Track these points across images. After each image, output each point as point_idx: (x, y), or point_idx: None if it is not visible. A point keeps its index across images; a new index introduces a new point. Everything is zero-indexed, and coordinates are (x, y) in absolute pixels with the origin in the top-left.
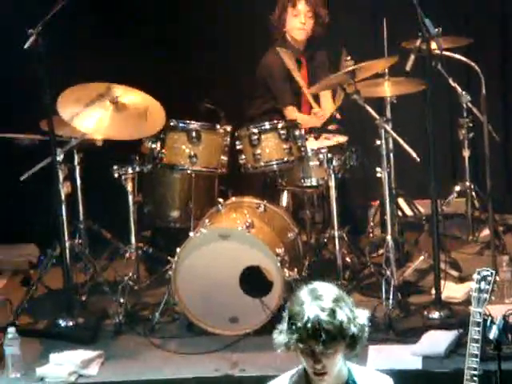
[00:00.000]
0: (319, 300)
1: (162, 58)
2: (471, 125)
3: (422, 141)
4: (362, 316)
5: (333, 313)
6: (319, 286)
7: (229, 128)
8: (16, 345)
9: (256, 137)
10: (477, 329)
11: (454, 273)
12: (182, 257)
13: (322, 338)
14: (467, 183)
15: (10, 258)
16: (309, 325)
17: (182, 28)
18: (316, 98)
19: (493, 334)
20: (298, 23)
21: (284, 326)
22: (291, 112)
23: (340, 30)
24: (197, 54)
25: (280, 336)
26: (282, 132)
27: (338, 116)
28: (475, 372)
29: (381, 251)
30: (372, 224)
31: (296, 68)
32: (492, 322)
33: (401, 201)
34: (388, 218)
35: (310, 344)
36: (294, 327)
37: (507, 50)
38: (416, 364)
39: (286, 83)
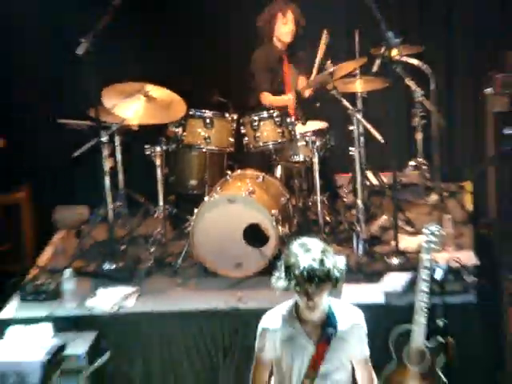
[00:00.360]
0: (310, 252)
1: (181, 59)
2: (423, 114)
3: (386, 126)
4: (341, 262)
5: (322, 261)
6: (307, 240)
7: (235, 116)
8: (71, 283)
9: (256, 123)
10: (426, 271)
11: (409, 228)
12: (198, 216)
13: (315, 282)
14: (419, 159)
15: (67, 216)
16: (304, 272)
17: (195, 36)
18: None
19: (438, 275)
20: (287, 29)
21: (281, 274)
22: (266, 97)
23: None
24: (209, 55)
25: (279, 282)
26: (276, 119)
27: (317, 104)
28: (424, 305)
29: (353, 212)
30: (346, 191)
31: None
32: (437, 266)
33: (369, 173)
34: (358, 186)
35: (305, 287)
36: (292, 275)
37: (451, 56)
38: (379, 299)
39: (265, 74)
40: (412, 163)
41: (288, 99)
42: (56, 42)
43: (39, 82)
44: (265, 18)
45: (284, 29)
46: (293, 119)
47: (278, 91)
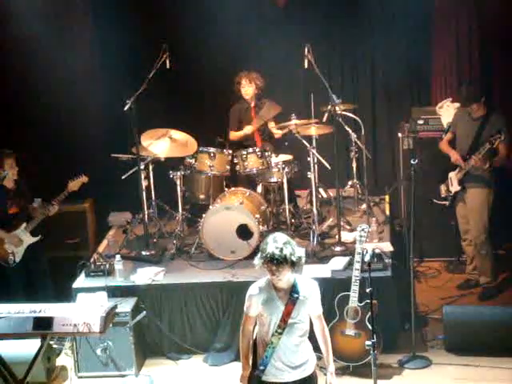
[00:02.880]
0: (276, 242)
1: (193, 113)
2: (356, 150)
3: (331, 158)
4: (300, 252)
5: (281, 250)
6: (278, 234)
7: (230, 151)
8: (120, 264)
9: (245, 156)
10: (358, 256)
11: (348, 227)
12: (205, 219)
13: (274, 263)
14: (354, 180)
15: (117, 219)
16: (268, 256)
17: (199, 98)
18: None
19: (367, 257)
20: (248, 90)
21: (258, 256)
22: (231, 134)
23: (286, 98)
24: (208, 106)
25: (256, 261)
26: (258, 153)
27: (286, 144)
28: (357, 278)
29: (309, 216)
30: (305, 202)
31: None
32: (366, 252)
33: (320, 189)
34: (313, 198)
35: (269, 265)
36: (262, 257)
37: (374, 111)
38: (328, 274)
39: (235, 122)
40: (349, 183)
41: (247, 129)
42: (108, 101)
43: (100, 129)
44: (235, 81)
45: (245, 90)
46: (270, 153)
47: (244, 129)
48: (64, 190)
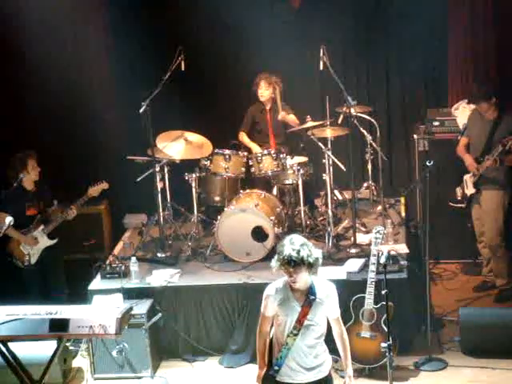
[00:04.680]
0: (293, 244)
1: (207, 114)
2: (372, 152)
3: (346, 160)
4: (317, 253)
5: (298, 251)
6: (294, 236)
7: (245, 153)
8: (135, 266)
9: (260, 158)
10: (374, 257)
11: (363, 229)
12: (220, 221)
13: (291, 265)
14: (370, 182)
15: (132, 221)
16: (285, 258)
17: (214, 100)
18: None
19: (382, 259)
20: (264, 93)
21: (275, 258)
22: (241, 135)
23: (301, 99)
24: (222, 107)
25: (273, 263)
26: (273, 155)
27: (301, 145)
28: (373, 280)
29: (325, 218)
30: (320, 203)
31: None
32: (382, 254)
33: (336, 191)
34: (329, 200)
35: (286, 267)
36: (279, 259)
37: (390, 113)
38: (343, 276)
39: (248, 123)
40: (365, 184)
41: (255, 148)
42: (125, 104)
43: (115, 131)
44: (254, 84)
45: (261, 92)
46: (285, 155)
47: (263, 133)
48: (83, 195)
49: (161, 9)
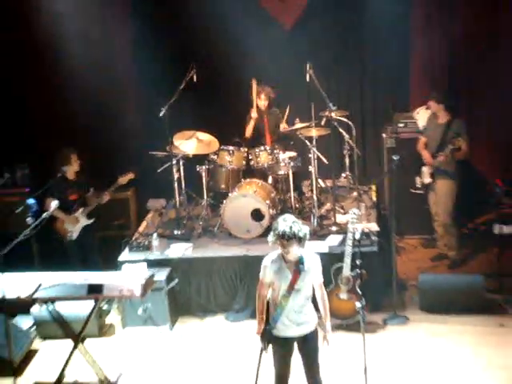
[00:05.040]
0: (286, 222)
1: (216, 117)
2: (349, 148)
3: (328, 154)
4: (305, 229)
5: (291, 227)
6: (287, 215)
7: (246, 149)
8: (156, 241)
9: (258, 153)
10: (350, 234)
11: (341, 211)
12: (226, 204)
13: (285, 239)
14: (347, 172)
15: (154, 204)
16: (280, 233)
17: (221, 106)
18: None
19: (357, 236)
20: (262, 102)
21: (271, 234)
22: (247, 130)
23: (292, 105)
24: (226, 111)
25: (270, 238)
26: (268, 151)
27: (291, 143)
28: (349, 252)
29: (310, 202)
30: (307, 190)
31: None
32: (357, 231)
33: (320, 180)
34: (314, 187)
35: (281, 241)
36: (275, 235)
37: (363, 116)
38: (326, 249)
39: (249, 125)
40: (343, 175)
41: (253, 114)
42: (149, 108)
43: (140, 131)
44: (250, 92)
45: (260, 102)
46: (278, 150)
47: (261, 132)
48: (114, 183)
49: (176, 26)
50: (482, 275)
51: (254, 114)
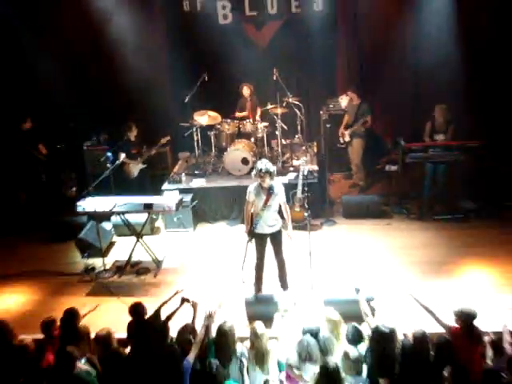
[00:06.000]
0: (262, 163)
1: (222, 101)
2: (300, 120)
3: (287, 124)
4: (274, 168)
5: (266, 165)
6: (263, 159)
7: (237, 121)
8: (184, 177)
9: (244, 123)
10: (301, 172)
11: (296, 158)
12: (226, 154)
13: (262, 173)
14: (299, 134)
15: (182, 155)
16: (259, 169)
17: (223, 94)
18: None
19: (305, 172)
20: (246, 93)
21: (254, 171)
22: (237, 113)
23: (265, 94)
24: (227, 98)
25: (253, 173)
26: (251, 122)
27: (266, 118)
28: (301, 182)
29: (277, 152)
30: (276, 146)
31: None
32: (305, 170)
33: (282, 139)
34: (279, 144)
35: (259, 174)
36: (256, 170)
37: (309, 101)
38: (286, 181)
39: (239, 105)
40: (296, 136)
41: (243, 114)
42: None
43: (174, 110)
44: (240, 87)
45: (245, 92)
46: (257, 122)
47: (246, 110)
48: (158, 143)
49: (194, 42)
50: (378, 195)
51: (243, 114)
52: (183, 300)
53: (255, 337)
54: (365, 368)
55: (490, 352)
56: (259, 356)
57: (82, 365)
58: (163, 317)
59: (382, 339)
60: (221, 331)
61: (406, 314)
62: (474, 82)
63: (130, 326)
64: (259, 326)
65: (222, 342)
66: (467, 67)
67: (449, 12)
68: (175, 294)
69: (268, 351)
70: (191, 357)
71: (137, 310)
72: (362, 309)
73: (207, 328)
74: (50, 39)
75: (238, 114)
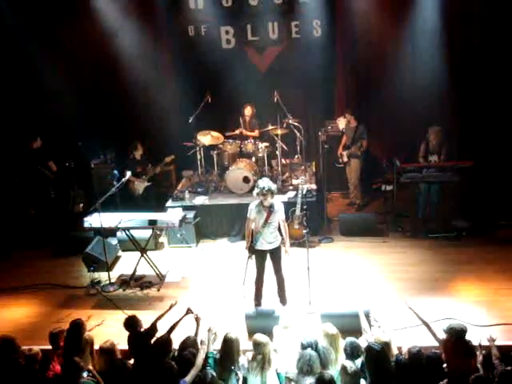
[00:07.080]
0: (263, 182)
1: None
2: (300, 140)
3: (287, 144)
4: (275, 186)
5: (267, 183)
6: (264, 179)
7: (239, 142)
8: (188, 194)
9: (246, 143)
10: (300, 190)
11: (295, 177)
12: (227, 173)
13: (263, 192)
14: (298, 154)
15: (186, 173)
16: (260, 188)
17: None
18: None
19: (304, 191)
20: (247, 113)
21: (255, 190)
22: (239, 130)
23: (266, 115)
24: (229, 118)
25: (254, 192)
26: (252, 142)
27: (265, 137)
28: (299, 201)
29: (277, 172)
30: (275, 165)
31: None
32: (304, 189)
33: (282, 159)
34: (279, 163)
35: (262, 192)
36: (258, 188)
37: (308, 122)
38: (286, 199)
39: (242, 125)
40: (296, 156)
41: (240, 131)
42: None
43: (178, 130)
44: (243, 107)
45: (247, 112)
46: (257, 142)
47: (247, 130)
48: (162, 161)
49: (200, 67)
50: (374, 214)
51: (240, 131)
52: (188, 311)
53: (259, 344)
54: (363, 382)
55: (481, 369)
56: (262, 363)
57: (85, 376)
58: (167, 327)
59: (375, 357)
60: (226, 339)
61: (402, 326)
62: (464, 103)
63: (129, 339)
64: (261, 336)
65: (227, 351)
66: (456, 89)
67: (440, 40)
68: (170, 307)
69: (270, 360)
70: (188, 379)
71: (130, 323)
72: (362, 325)
73: (207, 346)
74: (60, 60)
75: (227, 133)
